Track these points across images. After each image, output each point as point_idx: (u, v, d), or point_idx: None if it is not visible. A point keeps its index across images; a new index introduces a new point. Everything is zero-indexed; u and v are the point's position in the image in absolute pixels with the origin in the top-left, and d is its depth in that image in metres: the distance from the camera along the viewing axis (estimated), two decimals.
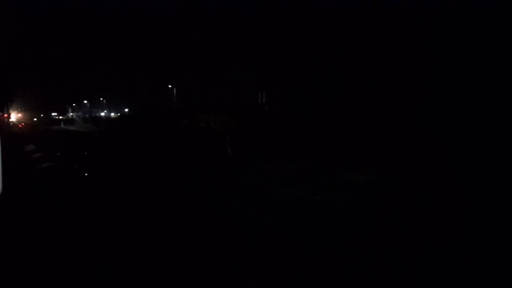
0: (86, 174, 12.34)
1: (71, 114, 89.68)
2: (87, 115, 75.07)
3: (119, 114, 67.62)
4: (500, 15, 12.79)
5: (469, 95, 13.05)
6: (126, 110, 58.42)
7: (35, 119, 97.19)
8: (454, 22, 14.26)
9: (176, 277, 4.77)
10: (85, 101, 79.34)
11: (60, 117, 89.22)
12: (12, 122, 59.45)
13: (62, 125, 70.18)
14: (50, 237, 5.98)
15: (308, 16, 19.71)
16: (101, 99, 74.43)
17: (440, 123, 13.11)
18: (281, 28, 20.42)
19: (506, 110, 11.74)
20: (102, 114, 75.79)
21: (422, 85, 14.11)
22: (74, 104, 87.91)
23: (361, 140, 14.35)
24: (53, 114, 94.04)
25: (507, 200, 7.85)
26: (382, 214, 7.72)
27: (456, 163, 10.14)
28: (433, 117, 13.45)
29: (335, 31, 18.88)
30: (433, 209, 7.78)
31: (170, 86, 40.40)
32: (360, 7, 17.49)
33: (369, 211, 7.99)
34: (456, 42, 13.99)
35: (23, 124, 69.35)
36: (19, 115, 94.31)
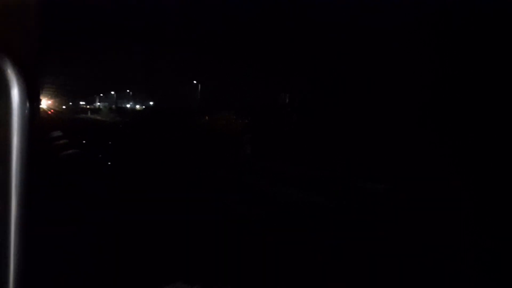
0: (109, 163, 12.65)
1: (98, 104, 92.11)
2: (113, 106, 76.93)
3: (144, 106, 68.98)
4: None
5: (482, 97, 12.72)
6: (151, 103, 59.56)
7: (64, 107, 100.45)
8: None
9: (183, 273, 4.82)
10: (112, 92, 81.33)
11: (88, 106, 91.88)
12: (42, 108, 61.62)
13: (89, 114, 72.24)
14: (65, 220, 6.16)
15: (317, 17, 19.59)
16: (128, 91, 76.13)
17: (444, 124, 12.87)
18: (301, 31, 20.38)
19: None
20: (128, 105, 77.49)
21: (433, 88, 13.88)
22: (101, 95, 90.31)
23: (381, 147, 14.15)
24: (81, 103, 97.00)
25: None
26: (394, 220, 7.61)
27: (463, 163, 9.99)
28: (443, 120, 13.23)
29: (344, 31, 18.71)
30: (435, 210, 7.69)
31: (195, 82, 40.92)
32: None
33: (383, 218, 7.87)
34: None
35: (52, 111, 71.78)
36: (49, 102, 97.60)
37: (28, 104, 0.72)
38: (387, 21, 15.87)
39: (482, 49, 12.78)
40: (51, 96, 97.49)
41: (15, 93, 0.70)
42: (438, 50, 14.01)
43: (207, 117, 37.43)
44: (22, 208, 0.70)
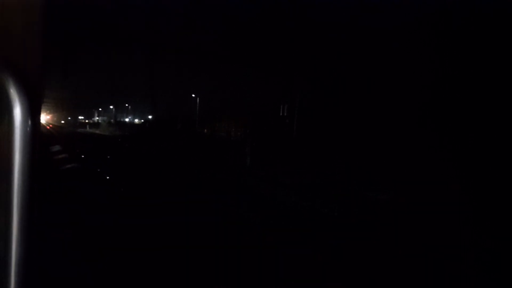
0: (107, 177, 12.63)
1: (97, 118, 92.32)
2: (112, 120, 77.13)
3: (142, 120, 69.16)
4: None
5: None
6: (150, 116, 59.72)
7: (62, 121, 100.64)
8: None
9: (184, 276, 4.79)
10: (111, 106, 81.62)
11: (87, 121, 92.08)
12: (41, 123, 61.50)
13: (88, 128, 72.35)
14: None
15: (317, 23, 19.75)
16: (126, 105, 76.41)
17: (447, 128, 12.89)
18: (303, 39, 20.56)
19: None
20: (127, 119, 77.63)
21: (439, 96, 13.90)
22: (100, 109, 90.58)
23: (382, 156, 14.15)
24: (80, 117, 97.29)
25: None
26: (398, 230, 7.59)
27: (466, 167, 10.04)
28: (446, 126, 13.23)
29: (344, 37, 18.84)
30: (439, 217, 7.72)
31: (193, 95, 41.10)
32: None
33: (385, 228, 7.85)
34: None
35: (51, 125, 71.82)
36: (48, 116, 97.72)
37: (30, 122, 0.74)
38: (391, 23, 15.93)
39: (482, 49, 12.79)
40: (50, 111, 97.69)
41: (18, 112, 0.73)
42: (443, 53, 13.98)
43: (206, 130, 37.53)
44: (23, 221, 0.72)
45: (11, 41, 0.86)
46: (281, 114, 21.80)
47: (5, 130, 0.73)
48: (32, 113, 0.76)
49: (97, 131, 61.11)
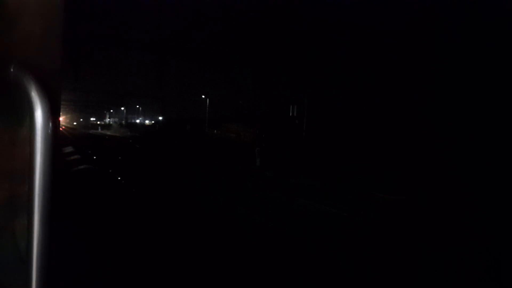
0: (119, 178, 12.76)
1: (108, 119, 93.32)
2: (123, 121, 77.88)
3: (153, 121, 69.72)
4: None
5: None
6: (160, 118, 60.18)
7: (75, 123, 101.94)
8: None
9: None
10: (122, 108, 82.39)
11: (98, 122, 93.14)
12: None
13: (100, 130, 73.20)
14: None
15: (326, 25, 19.66)
16: (137, 106, 77.08)
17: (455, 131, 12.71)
18: (312, 40, 20.52)
19: None
20: (138, 121, 78.34)
21: (450, 99, 13.69)
22: (111, 110, 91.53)
23: (392, 158, 14.03)
24: (92, 119, 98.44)
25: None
26: (406, 233, 7.52)
27: (468, 165, 9.92)
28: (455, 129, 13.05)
29: (354, 38, 18.72)
30: (441, 214, 7.69)
31: (203, 96, 41.29)
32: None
33: (395, 231, 7.78)
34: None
35: (64, 127, 72.82)
36: (61, 118, 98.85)
37: (50, 124, 0.76)
38: (397, 24, 15.77)
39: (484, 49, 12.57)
40: (62, 113, 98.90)
41: (39, 114, 0.74)
42: (452, 53, 13.74)
43: (215, 131, 37.68)
44: (45, 221, 0.74)
45: (33, 45, 0.89)
46: (290, 115, 21.75)
47: (26, 132, 0.75)
48: (52, 115, 0.78)
49: (109, 132, 61.78)
